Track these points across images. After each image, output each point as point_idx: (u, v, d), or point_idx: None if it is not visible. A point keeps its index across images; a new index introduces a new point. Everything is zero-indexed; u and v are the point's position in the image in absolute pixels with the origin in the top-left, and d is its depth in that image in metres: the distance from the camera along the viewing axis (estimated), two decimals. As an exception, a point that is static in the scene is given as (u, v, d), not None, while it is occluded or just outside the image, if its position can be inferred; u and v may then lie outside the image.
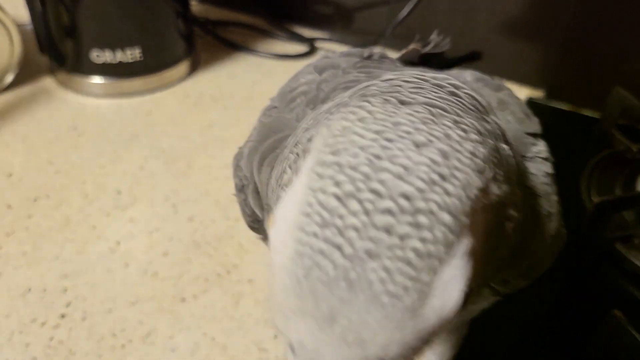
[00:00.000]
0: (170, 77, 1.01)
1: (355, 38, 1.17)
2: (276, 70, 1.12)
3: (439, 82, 0.32)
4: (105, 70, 0.94)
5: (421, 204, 0.23)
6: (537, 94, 1.05)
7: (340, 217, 0.23)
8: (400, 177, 0.24)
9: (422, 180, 0.24)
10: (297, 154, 0.31)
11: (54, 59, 0.97)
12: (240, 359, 0.59)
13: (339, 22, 1.22)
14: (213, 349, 0.60)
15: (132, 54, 0.94)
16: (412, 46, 0.53)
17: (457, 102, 0.30)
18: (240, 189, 0.45)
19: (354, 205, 0.23)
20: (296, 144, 0.33)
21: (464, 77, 0.45)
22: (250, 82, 1.08)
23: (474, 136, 0.27)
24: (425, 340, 0.24)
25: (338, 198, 0.24)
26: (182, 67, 1.03)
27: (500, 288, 0.41)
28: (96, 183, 0.80)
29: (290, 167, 0.32)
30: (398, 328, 0.23)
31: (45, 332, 0.60)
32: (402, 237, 0.23)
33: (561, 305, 0.68)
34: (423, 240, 0.23)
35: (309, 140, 0.30)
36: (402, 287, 0.22)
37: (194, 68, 1.07)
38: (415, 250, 0.23)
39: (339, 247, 0.23)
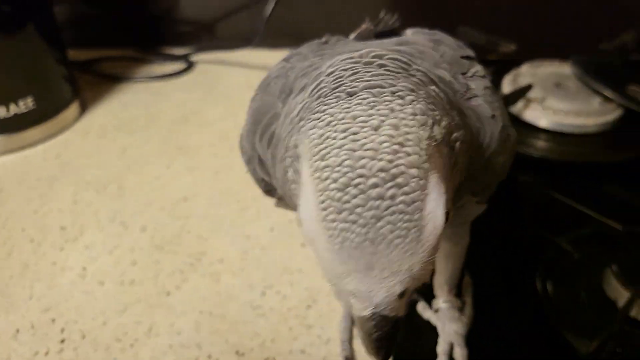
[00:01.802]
0: (65, 119, 1.03)
1: (227, 43, 1.26)
2: (163, 90, 1.17)
3: (367, 59, 0.41)
4: (3, 126, 0.95)
5: (395, 171, 0.32)
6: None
7: (347, 202, 0.32)
8: (373, 158, 0.33)
9: (388, 153, 0.33)
10: (292, 158, 0.40)
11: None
12: (240, 321, 0.66)
13: (205, 35, 1.30)
14: (214, 321, 0.66)
15: (24, 104, 0.95)
16: (364, 26, 0.61)
17: (387, 72, 0.39)
18: (248, 162, 0.53)
19: (352, 190, 0.32)
20: (287, 149, 0.41)
21: (406, 32, 0.56)
22: (143, 105, 1.12)
23: (409, 98, 0.36)
24: (435, 251, 0.34)
25: (339, 190, 0.33)
26: (74, 108, 1.06)
27: (479, 197, 0.51)
28: (37, 227, 0.81)
29: (290, 168, 0.40)
30: (413, 254, 0.33)
31: (51, 358, 0.63)
32: (392, 197, 0.32)
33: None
34: (405, 193, 0.32)
35: (296, 146, 0.39)
36: (405, 229, 0.32)
37: (84, 107, 1.10)
38: (403, 202, 0.32)
39: (354, 222, 0.32)
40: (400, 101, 0.35)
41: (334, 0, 1.20)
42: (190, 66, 1.23)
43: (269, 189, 0.53)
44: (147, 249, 0.76)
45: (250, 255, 0.75)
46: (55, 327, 0.66)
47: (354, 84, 0.37)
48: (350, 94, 0.37)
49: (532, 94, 0.93)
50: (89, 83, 1.17)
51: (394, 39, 0.52)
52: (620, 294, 0.59)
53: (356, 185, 0.32)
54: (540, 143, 0.91)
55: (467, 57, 0.51)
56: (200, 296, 0.69)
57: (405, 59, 0.41)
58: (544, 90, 0.92)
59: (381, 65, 0.39)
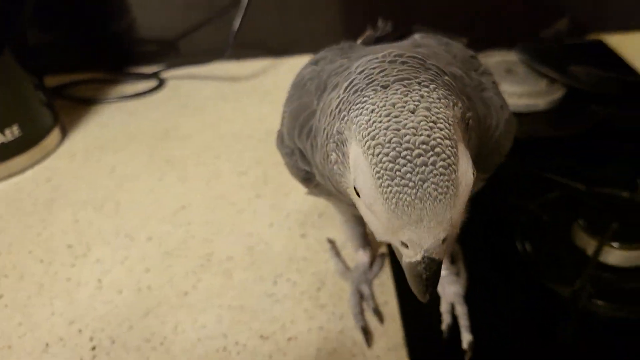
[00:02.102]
0: (48, 144, 1.06)
1: (196, 58, 1.31)
2: (138, 109, 1.21)
3: (390, 58, 0.48)
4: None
5: (433, 142, 0.39)
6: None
7: (398, 170, 0.39)
8: (415, 135, 0.40)
9: (426, 130, 0.40)
10: (336, 143, 0.47)
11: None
12: (258, 309, 0.72)
13: (171, 52, 1.35)
14: (234, 312, 0.72)
15: (11, 132, 0.98)
16: (367, 32, 0.70)
17: (410, 68, 0.47)
18: (291, 155, 0.60)
19: (401, 161, 0.39)
20: (328, 136, 0.48)
21: (414, 37, 0.64)
22: (120, 125, 1.16)
23: (432, 86, 0.44)
24: (465, 203, 0.42)
25: (391, 162, 0.39)
26: (55, 133, 1.09)
27: (485, 174, 0.59)
28: (43, 248, 0.85)
29: (335, 152, 0.47)
30: (452, 206, 0.40)
31: (87, 365, 0.67)
32: (433, 163, 0.39)
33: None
34: (443, 159, 0.39)
35: (340, 133, 0.46)
36: (445, 187, 0.39)
37: (64, 131, 1.13)
38: (443, 166, 0.39)
39: (405, 185, 0.39)
40: (426, 89, 0.43)
41: (294, 12, 1.27)
42: (161, 83, 1.28)
43: (307, 177, 0.60)
44: (157, 256, 0.81)
45: (255, 250, 0.81)
46: (83, 336, 0.70)
47: (385, 78, 0.45)
48: (384, 87, 0.44)
49: (486, 81, 1.03)
50: (63, 107, 1.20)
51: (407, 42, 0.60)
52: (588, 244, 0.69)
53: (404, 157, 0.40)
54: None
55: (472, 57, 0.60)
56: (217, 292, 0.75)
57: (420, 57, 0.48)
58: (497, 77, 1.01)
59: (403, 63, 0.47)
